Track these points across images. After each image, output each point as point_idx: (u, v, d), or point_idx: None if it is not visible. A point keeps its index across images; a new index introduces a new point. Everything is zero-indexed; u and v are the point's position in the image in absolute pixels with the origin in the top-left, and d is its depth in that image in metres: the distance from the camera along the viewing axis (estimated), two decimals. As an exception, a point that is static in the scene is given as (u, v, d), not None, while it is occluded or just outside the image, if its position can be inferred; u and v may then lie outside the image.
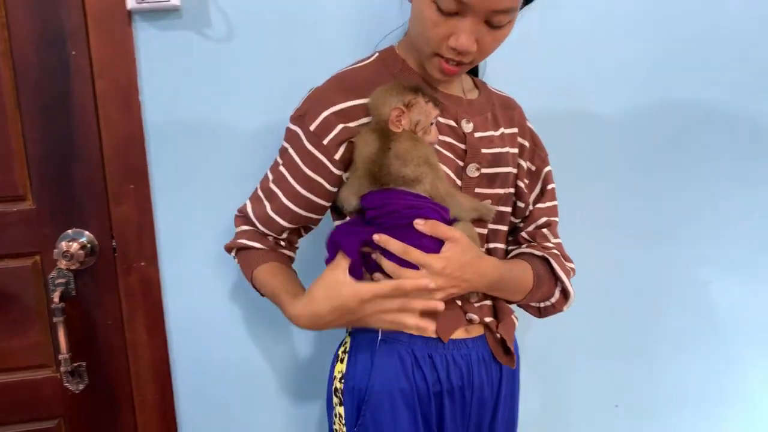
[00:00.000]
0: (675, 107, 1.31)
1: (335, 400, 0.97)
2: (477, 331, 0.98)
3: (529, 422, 1.38)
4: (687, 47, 1.28)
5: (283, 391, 1.29)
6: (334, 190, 0.94)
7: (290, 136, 0.95)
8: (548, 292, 1.03)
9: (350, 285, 0.84)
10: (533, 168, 1.06)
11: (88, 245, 1.16)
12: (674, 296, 1.40)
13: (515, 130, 1.03)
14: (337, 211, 0.99)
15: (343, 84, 0.93)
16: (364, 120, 0.91)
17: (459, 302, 0.96)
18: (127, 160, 1.15)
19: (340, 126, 0.90)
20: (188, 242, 1.19)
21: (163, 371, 1.23)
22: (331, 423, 1.00)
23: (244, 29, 1.13)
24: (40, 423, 1.23)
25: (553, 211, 1.08)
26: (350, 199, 0.91)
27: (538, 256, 1.02)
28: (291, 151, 0.94)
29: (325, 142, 0.90)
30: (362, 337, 0.95)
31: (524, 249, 1.05)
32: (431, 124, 0.89)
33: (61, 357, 1.13)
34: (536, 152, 1.07)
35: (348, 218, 0.96)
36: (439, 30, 0.85)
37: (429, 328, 0.85)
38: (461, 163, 0.94)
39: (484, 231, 0.99)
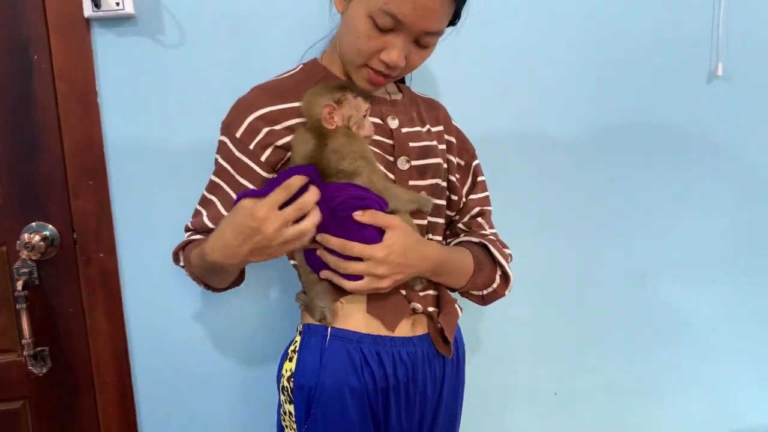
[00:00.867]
0: (612, 107, 1.39)
1: (283, 397, 0.98)
2: (422, 329, 1.02)
3: (472, 410, 1.45)
4: (621, 56, 1.36)
5: (236, 374, 1.36)
6: None
7: (219, 147, 1.00)
8: (489, 277, 1.07)
9: (249, 205, 0.80)
10: (462, 163, 1.12)
11: (50, 237, 1.23)
12: (611, 289, 1.47)
13: (441, 128, 1.09)
14: None
15: (266, 91, 0.99)
16: (290, 122, 0.96)
17: (403, 292, 0.99)
18: (86, 157, 1.22)
19: (266, 129, 0.95)
20: (145, 235, 1.27)
21: (122, 356, 1.30)
22: (279, 420, 1.02)
23: (194, 35, 1.21)
24: (6, 404, 1.30)
25: (485, 201, 1.14)
26: None
27: (476, 242, 1.07)
28: (221, 160, 0.99)
29: (251, 146, 0.95)
30: (311, 336, 0.97)
31: (462, 238, 1.10)
32: (364, 117, 0.93)
33: (24, 342, 1.20)
34: (463, 147, 1.13)
35: None
36: (372, 43, 0.90)
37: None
38: (391, 158, 0.99)
39: (424, 222, 1.02)
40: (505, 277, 1.08)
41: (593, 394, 1.50)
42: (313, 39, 1.14)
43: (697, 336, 1.52)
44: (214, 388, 1.35)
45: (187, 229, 1.06)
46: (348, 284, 0.91)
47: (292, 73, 1.04)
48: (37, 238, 1.21)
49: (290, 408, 0.97)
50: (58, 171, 1.23)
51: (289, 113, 0.96)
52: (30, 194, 1.23)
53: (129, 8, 1.15)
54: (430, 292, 1.03)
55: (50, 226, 1.24)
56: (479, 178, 1.14)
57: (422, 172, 1.01)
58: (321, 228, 0.87)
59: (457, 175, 1.10)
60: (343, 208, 0.88)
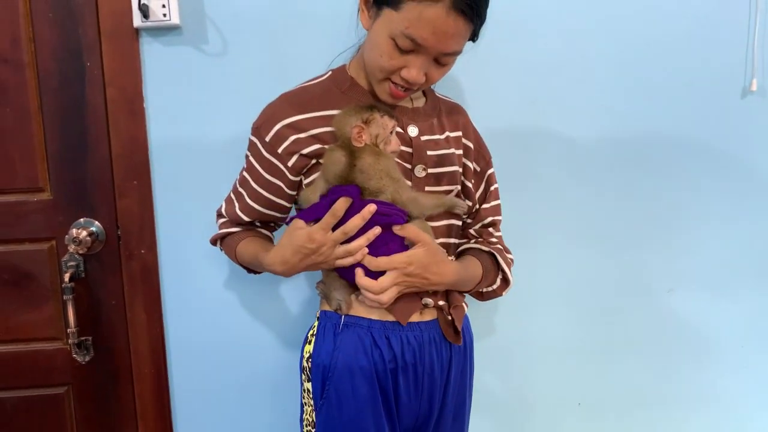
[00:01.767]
0: (644, 120, 1.39)
1: (303, 377, 1.08)
2: (429, 315, 1.08)
3: (493, 417, 1.47)
4: (657, 68, 1.37)
5: (269, 369, 1.41)
6: (292, 192, 1.06)
7: (250, 145, 1.08)
8: (492, 281, 1.15)
9: (305, 228, 0.97)
10: (478, 169, 1.16)
11: (96, 233, 1.31)
12: (638, 301, 1.47)
13: (459, 133, 1.13)
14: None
15: (293, 100, 1.05)
16: (315, 131, 1.01)
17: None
18: (131, 159, 1.29)
19: (293, 137, 1.02)
20: (185, 233, 1.33)
21: (159, 347, 1.37)
22: (301, 398, 1.11)
23: (236, 45, 1.28)
24: (52, 389, 1.38)
25: (496, 210, 1.19)
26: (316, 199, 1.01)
27: (485, 251, 1.14)
28: (251, 158, 1.07)
29: (279, 150, 1.02)
30: (327, 322, 1.06)
31: (473, 244, 1.16)
32: (390, 133, 0.99)
33: (69, 331, 1.28)
34: (480, 153, 1.17)
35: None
36: (393, 62, 0.96)
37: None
38: (408, 166, 1.04)
39: (458, 222, 1.12)
40: (506, 282, 1.16)
41: (617, 406, 1.51)
42: (347, 44, 1.18)
43: (725, 351, 1.51)
44: (250, 382, 1.41)
45: (219, 215, 1.17)
46: (370, 297, 0.98)
47: (321, 80, 1.09)
48: (84, 233, 1.29)
49: (309, 386, 1.06)
50: (106, 171, 1.30)
51: (314, 122, 1.02)
52: (79, 192, 1.31)
53: (175, 19, 1.22)
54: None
55: (97, 222, 1.32)
56: (492, 187, 1.19)
57: (438, 179, 1.07)
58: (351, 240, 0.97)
59: (472, 181, 1.15)
60: (371, 225, 0.96)
